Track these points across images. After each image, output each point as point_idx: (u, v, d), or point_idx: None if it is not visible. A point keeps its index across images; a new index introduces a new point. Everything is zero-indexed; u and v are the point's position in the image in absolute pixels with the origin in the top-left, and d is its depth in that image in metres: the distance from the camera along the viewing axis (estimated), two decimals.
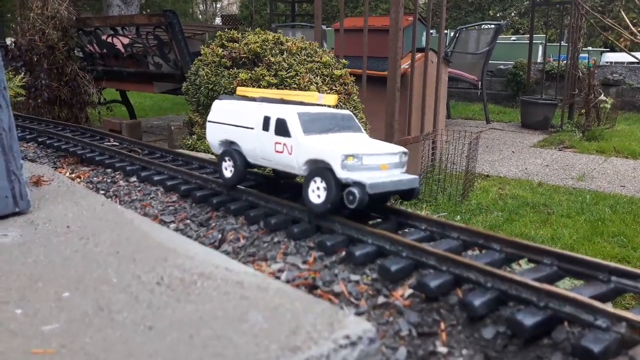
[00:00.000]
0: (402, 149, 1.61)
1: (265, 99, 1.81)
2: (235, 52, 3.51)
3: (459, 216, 4.94)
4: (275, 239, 1.52)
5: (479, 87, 9.13)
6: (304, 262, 1.37)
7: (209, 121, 1.88)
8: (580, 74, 9.15)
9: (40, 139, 2.76)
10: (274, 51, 3.45)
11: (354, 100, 3.49)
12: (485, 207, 5.24)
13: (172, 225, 1.69)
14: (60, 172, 2.17)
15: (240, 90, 1.96)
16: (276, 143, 1.64)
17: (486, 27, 9.89)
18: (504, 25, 10.14)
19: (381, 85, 5.15)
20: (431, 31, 6.41)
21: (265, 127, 1.67)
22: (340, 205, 1.48)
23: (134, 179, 2.13)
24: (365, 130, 3.67)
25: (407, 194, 1.60)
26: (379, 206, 1.67)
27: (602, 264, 1.11)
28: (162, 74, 6.60)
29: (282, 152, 1.62)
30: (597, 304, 0.96)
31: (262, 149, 1.69)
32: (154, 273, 1.11)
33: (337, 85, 3.47)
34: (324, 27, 9.33)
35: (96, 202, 1.65)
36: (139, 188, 2.03)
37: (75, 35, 6.92)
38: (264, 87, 3.27)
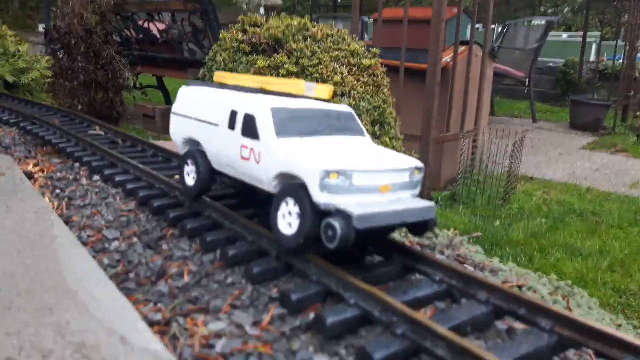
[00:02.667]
0: (416, 163, 1.14)
1: (242, 87, 1.38)
2: (255, 38, 3.11)
3: (498, 221, 4.43)
4: (230, 279, 1.10)
5: (527, 84, 8.45)
6: (255, 324, 0.94)
7: (173, 113, 1.47)
8: (637, 75, 8.36)
9: (22, 124, 2.43)
10: (296, 37, 3.02)
11: (384, 94, 3.03)
12: (528, 212, 4.71)
13: (115, 244, 1.30)
14: (27, 164, 1.83)
15: (218, 76, 1.53)
16: (242, 147, 1.21)
17: (537, 23, 9.16)
18: (555, 22, 9.39)
19: (421, 79, 4.65)
20: (477, 25, 5.85)
21: (232, 124, 1.24)
22: (319, 239, 1.03)
23: (97, 177, 1.76)
24: (395, 127, 3.22)
25: (419, 228, 1.15)
26: (381, 238, 1.22)
27: None
28: (196, 60, 6.31)
29: (248, 159, 1.19)
30: None
31: (226, 153, 1.26)
32: (18, 338, 0.72)
33: (366, 76, 3.02)
34: (365, 18, 8.83)
35: (32, 208, 1.28)
36: (97, 190, 1.66)
37: (113, 20, 6.72)
38: (283, 76, 2.85)
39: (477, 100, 5.38)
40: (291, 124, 1.18)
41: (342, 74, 2.87)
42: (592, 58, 11.34)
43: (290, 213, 1.07)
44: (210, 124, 1.31)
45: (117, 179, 1.69)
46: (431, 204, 1.11)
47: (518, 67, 8.43)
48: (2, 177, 1.53)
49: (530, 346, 0.80)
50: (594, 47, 11.61)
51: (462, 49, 5.11)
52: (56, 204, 1.51)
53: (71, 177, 1.77)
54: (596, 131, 8.10)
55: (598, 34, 11.03)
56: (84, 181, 1.74)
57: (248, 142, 1.19)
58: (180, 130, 1.45)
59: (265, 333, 0.92)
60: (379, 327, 0.91)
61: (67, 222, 1.36)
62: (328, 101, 1.37)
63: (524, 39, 9.04)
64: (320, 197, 1.02)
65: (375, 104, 2.94)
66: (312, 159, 1.06)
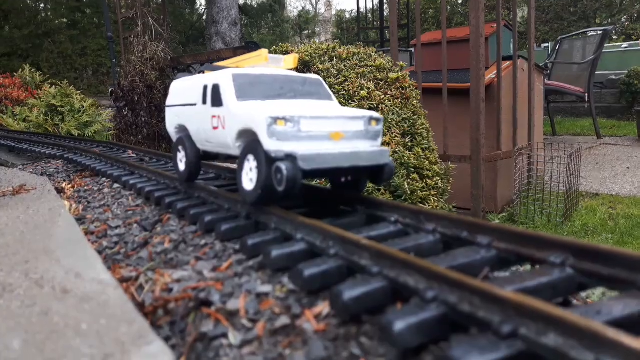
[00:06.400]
0: (373, 113, 1.15)
1: (220, 67, 1.45)
2: None
3: None
4: (203, 242, 1.14)
5: (586, 99, 8.07)
6: (214, 269, 0.97)
7: (166, 106, 1.56)
8: None
9: (66, 156, 2.66)
10: (323, 59, 3.12)
11: (413, 105, 3.02)
12: (592, 228, 4.43)
13: (116, 230, 1.39)
14: (61, 182, 1.99)
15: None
16: (212, 117, 1.25)
17: (592, 34, 8.79)
18: (610, 30, 9.00)
19: (468, 98, 4.61)
20: (540, 46, 5.68)
21: (204, 99, 1.30)
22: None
23: (117, 185, 1.89)
24: (428, 138, 3.18)
25: (376, 174, 1.14)
26: (350, 194, 1.21)
27: None
28: None
29: (217, 127, 1.24)
30: None
31: (204, 128, 1.31)
32: None
33: (393, 89, 3.04)
34: (412, 49, 8.87)
35: (48, 207, 1.41)
36: (112, 193, 1.78)
37: (171, 74, 7.14)
38: None
39: (528, 115, 5.23)
40: (252, 88, 1.21)
41: (368, 88, 2.90)
42: None
43: (251, 169, 1.10)
44: (190, 105, 1.38)
45: (131, 182, 1.80)
46: (384, 148, 1.10)
47: (575, 82, 8.09)
48: (34, 191, 1.67)
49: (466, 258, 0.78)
50: None
51: (506, 64, 5.02)
52: (75, 206, 1.62)
53: (95, 189, 1.92)
54: None
55: None
56: (106, 190, 1.87)
57: (216, 110, 1.24)
58: (171, 121, 1.53)
59: (221, 274, 0.94)
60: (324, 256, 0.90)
61: (80, 219, 1.48)
62: (296, 69, 1.41)
63: (580, 52, 8.68)
64: (270, 145, 1.03)
65: (405, 115, 2.94)
66: (261, 109, 1.09)
